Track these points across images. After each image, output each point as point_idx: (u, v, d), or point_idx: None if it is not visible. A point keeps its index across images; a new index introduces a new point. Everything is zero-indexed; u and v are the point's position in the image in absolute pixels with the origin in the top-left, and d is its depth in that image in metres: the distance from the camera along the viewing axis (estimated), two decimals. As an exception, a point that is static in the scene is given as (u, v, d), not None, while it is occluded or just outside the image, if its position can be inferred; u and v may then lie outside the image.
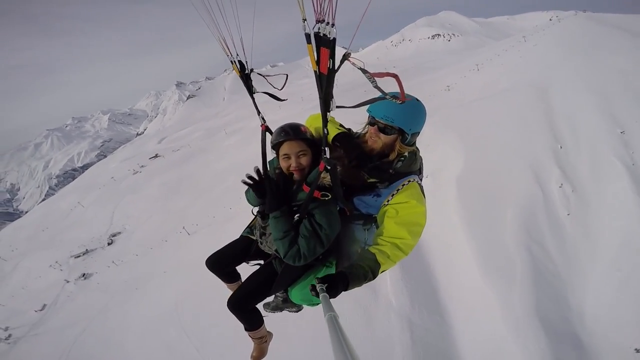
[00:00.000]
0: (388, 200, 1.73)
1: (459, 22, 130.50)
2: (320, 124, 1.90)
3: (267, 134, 2.19)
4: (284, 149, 1.81)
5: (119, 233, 26.47)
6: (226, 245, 2.26)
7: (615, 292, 9.58)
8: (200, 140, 47.09)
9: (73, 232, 30.87)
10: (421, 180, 1.89)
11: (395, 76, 1.39)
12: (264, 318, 2.30)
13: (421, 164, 1.99)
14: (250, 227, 2.29)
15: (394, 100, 1.49)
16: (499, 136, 14.95)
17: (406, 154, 1.81)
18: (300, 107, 41.08)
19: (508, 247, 11.08)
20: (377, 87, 1.43)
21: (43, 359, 15.17)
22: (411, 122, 1.72)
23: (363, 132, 1.91)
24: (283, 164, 1.83)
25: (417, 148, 1.90)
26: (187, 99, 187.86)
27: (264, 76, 2.27)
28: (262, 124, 2.25)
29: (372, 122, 1.80)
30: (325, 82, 1.20)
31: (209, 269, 2.30)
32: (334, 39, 1.10)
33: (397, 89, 1.45)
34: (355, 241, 1.95)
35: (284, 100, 2.21)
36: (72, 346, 14.79)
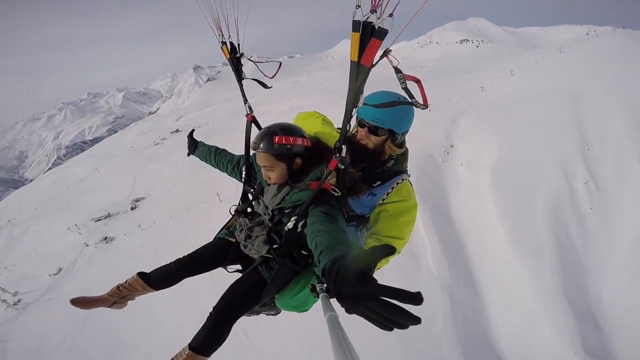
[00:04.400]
0: (383, 200, 1.71)
1: (488, 30, 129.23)
2: (311, 126, 1.87)
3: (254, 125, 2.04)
4: (257, 158, 1.65)
5: (143, 198, 26.13)
6: (201, 248, 1.98)
7: (630, 280, 10.43)
8: (223, 119, 47.09)
9: (92, 196, 30.33)
10: (409, 176, 1.86)
11: (417, 81, 1.39)
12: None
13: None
14: (228, 229, 2.04)
15: (416, 106, 1.44)
16: (532, 134, 15.67)
17: (398, 154, 1.79)
18: (323, 97, 41.41)
19: (539, 231, 11.93)
20: (405, 88, 1.41)
21: (55, 326, 14.48)
22: (400, 122, 1.69)
23: (353, 132, 1.85)
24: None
25: (406, 148, 1.87)
26: (207, 81, 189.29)
27: (255, 62, 2.11)
28: (248, 114, 2.04)
29: (361, 124, 1.74)
30: (363, 75, 1.12)
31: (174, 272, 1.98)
32: (387, 31, 1.03)
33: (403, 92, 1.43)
34: None
35: (270, 87, 2.09)
36: (90, 313, 13.86)
